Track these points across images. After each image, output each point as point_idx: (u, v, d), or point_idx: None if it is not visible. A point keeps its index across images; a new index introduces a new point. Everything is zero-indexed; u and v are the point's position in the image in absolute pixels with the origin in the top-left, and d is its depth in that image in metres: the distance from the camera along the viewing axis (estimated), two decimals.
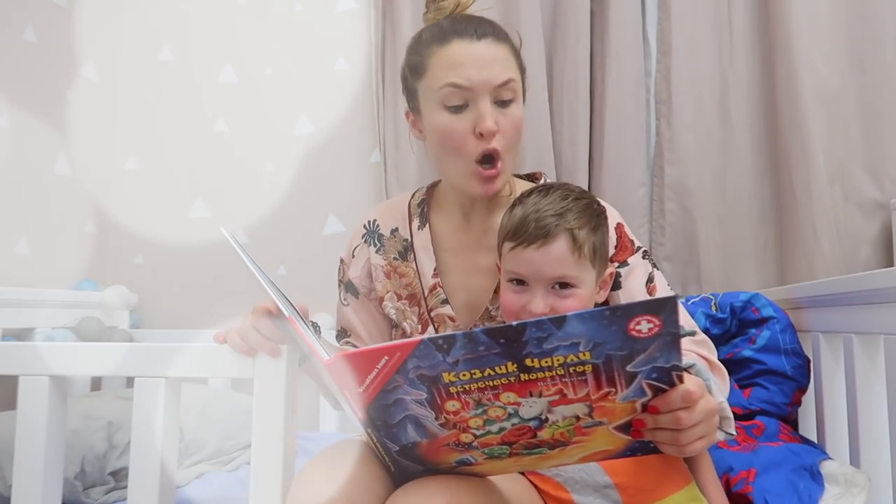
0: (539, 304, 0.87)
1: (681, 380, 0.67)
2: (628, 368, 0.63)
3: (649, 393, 0.67)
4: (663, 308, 0.58)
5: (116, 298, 1.94)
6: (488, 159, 0.96)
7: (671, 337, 0.61)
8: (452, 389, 0.65)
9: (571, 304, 0.87)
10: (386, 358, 0.64)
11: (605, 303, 0.99)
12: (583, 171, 1.76)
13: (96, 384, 1.97)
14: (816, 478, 1.07)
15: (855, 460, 1.14)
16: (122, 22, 2.20)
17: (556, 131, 1.78)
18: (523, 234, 0.88)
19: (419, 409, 0.68)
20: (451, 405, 0.67)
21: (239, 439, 1.57)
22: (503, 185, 0.99)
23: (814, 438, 1.34)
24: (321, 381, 1.07)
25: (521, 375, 0.63)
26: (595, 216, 0.91)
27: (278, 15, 2.11)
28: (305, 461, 0.88)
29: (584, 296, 0.89)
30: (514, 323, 0.60)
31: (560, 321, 0.60)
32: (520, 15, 1.77)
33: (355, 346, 1.09)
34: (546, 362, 0.62)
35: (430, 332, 1.05)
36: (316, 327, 0.99)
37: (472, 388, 0.65)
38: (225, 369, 0.96)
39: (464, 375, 0.64)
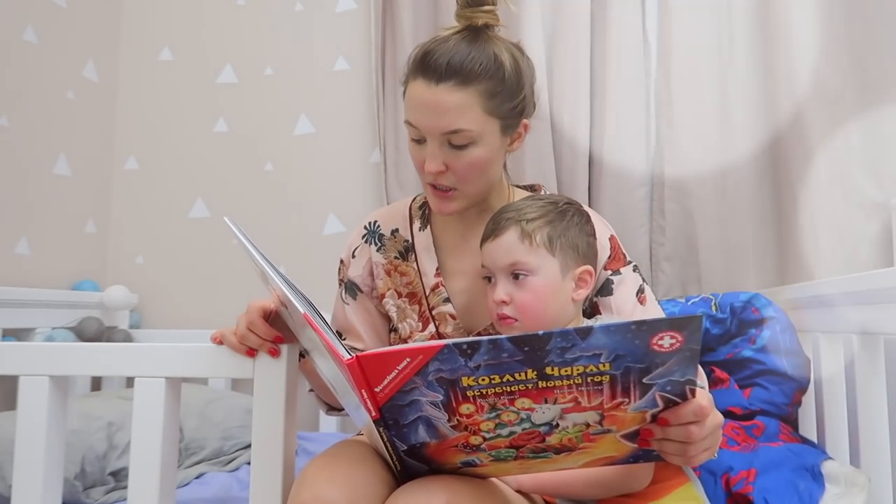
0: (499, 292, 0.91)
1: (693, 394, 0.68)
2: (644, 380, 0.64)
3: (661, 404, 0.68)
4: (687, 325, 0.60)
5: (116, 298, 1.94)
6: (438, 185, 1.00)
7: (690, 353, 0.62)
8: (469, 393, 0.66)
9: (528, 291, 0.90)
10: (408, 360, 0.65)
11: (594, 307, 1.00)
12: (583, 172, 1.76)
13: (96, 384, 1.97)
14: (817, 478, 1.07)
15: (855, 460, 1.14)
16: (122, 22, 2.20)
17: (556, 131, 1.78)
18: (484, 232, 0.95)
19: (433, 410, 0.68)
20: (466, 408, 0.67)
21: (239, 439, 1.57)
22: (460, 209, 1.01)
23: (814, 438, 1.34)
24: (316, 379, 1.07)
25: (540, 383, 0.64)
26: (558, 213, 0.93)
27: (278, 15, 2.11)
28: (305, 461, 0.88)
29: (544, 284, 0.90)
30: (541, 332, 0.61)
31: (585, 332, 0.61)
32: (520, 15, 1.77)
33: (353, 347, 1.09)
34: (566, 371, 0.63)
35: (431, 330, 1.05)
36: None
37: (489, 393, 0.65)
38: (225, 369, 0.96)
39: (483, 380, 0.64)
